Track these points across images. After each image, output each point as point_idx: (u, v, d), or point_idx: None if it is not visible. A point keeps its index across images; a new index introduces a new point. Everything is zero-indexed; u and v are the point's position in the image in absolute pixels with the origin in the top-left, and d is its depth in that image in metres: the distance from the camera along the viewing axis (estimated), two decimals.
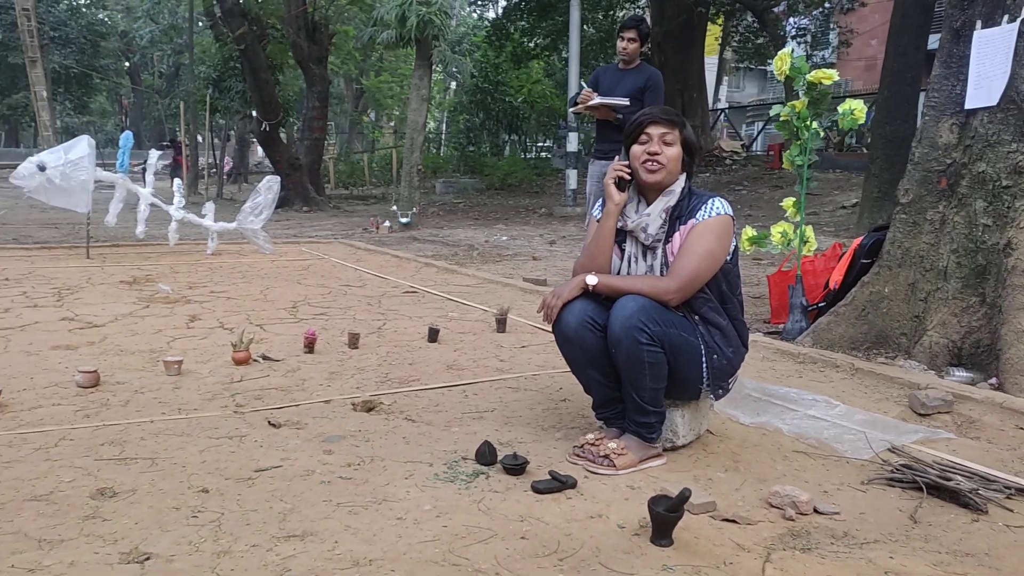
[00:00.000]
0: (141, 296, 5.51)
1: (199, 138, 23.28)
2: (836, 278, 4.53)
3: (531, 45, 22.19)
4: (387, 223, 11.90)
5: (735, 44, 24.29)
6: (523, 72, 24.74)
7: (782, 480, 2.45)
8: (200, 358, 3.83)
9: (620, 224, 2.69)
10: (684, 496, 2.00)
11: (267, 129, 15.60)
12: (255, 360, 3.78)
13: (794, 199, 4.68)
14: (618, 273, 2.70)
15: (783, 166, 4.75)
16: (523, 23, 21.06)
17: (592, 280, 2.58)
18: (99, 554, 1.88)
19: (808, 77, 4.38)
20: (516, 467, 2.43)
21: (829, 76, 4.34)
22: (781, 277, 5.01)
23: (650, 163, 2.62)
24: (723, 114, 26.07)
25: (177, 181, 8.32)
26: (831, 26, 22.75)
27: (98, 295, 5.52)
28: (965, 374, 3.67)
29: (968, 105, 3.85)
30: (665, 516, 1.98)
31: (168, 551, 1.90)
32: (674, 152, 2.64)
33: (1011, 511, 2.28)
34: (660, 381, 2.51)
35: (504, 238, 10.97)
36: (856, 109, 4.40)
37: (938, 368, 3.78)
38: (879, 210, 8.87)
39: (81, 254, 7.69)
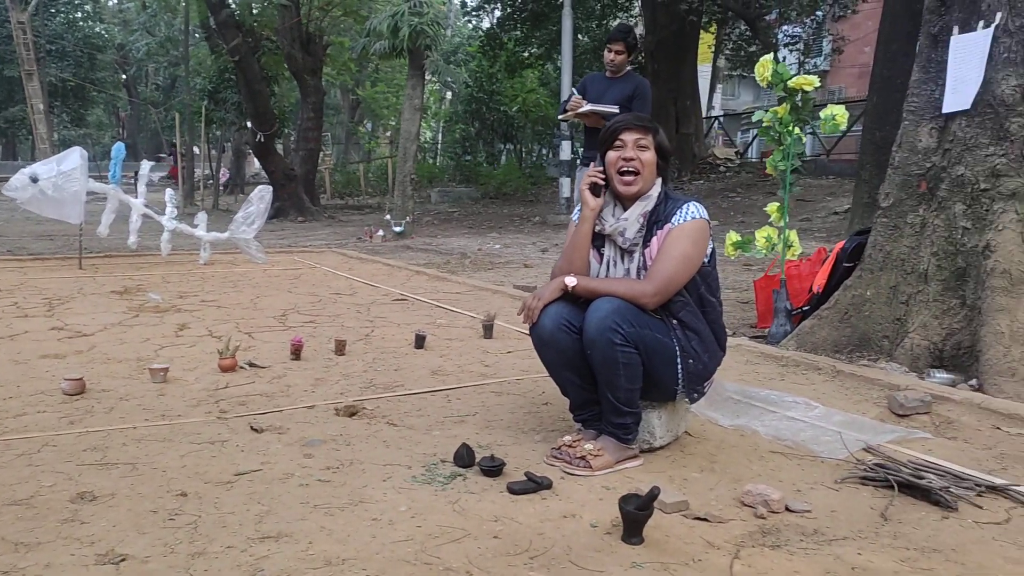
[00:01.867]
0: (131, 306, 5.53)
1: (195, 150, 23.36)
2: (819, 282, 4.57)
3: (525, 55, 22.28)
4: (381, 232, 11.94)
5: (728, 52, 24.39)
6: (517, 81, 24.83)
7: (757, 480, 2.47)
8: (187, 366, 3.86)
9: (598, 228, 2.73)
10: (653, 494, 2.02)
11: (262, 140, 15.66)
12: (241, 367, 3.80)
13: (778, 204, 4.72)
14: (597, 277, 2.73)
15: (767, 171, 4.79)
16: (517, 33, 21.15)
17: (571, 282, 2.61)
18: (75, 556, 1.91)
19: (790, 83, 4.42)
20: (493, 469, 2.45)
21: (810, 82, 4.38)
22: (767, 282, 5.05)
23: (626, 170, 2.66)
24: (717, 121, 26.15)
25: (169, 191, 8.33)
26: (824, 34, 22.83)
27: (88, 305, 5.54)
28: (946, 376, 3.70)
29: (945, 109, 3.90)
30: (635, 514, 2.01)
31: (143, 552, 1.93)
32: (649, 157, 2.67)
33: (981, 508, 2.30)
34: (635, 382, 2.54)
35: (497, 246, 11.00)
36: (838, 114, 4.44)
37: (919, 370, 3.80)
38: (869, 215, 8.85)
39: (74, 265, 7.71)
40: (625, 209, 2.71)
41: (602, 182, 2.72)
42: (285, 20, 16.16)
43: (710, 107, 27.80)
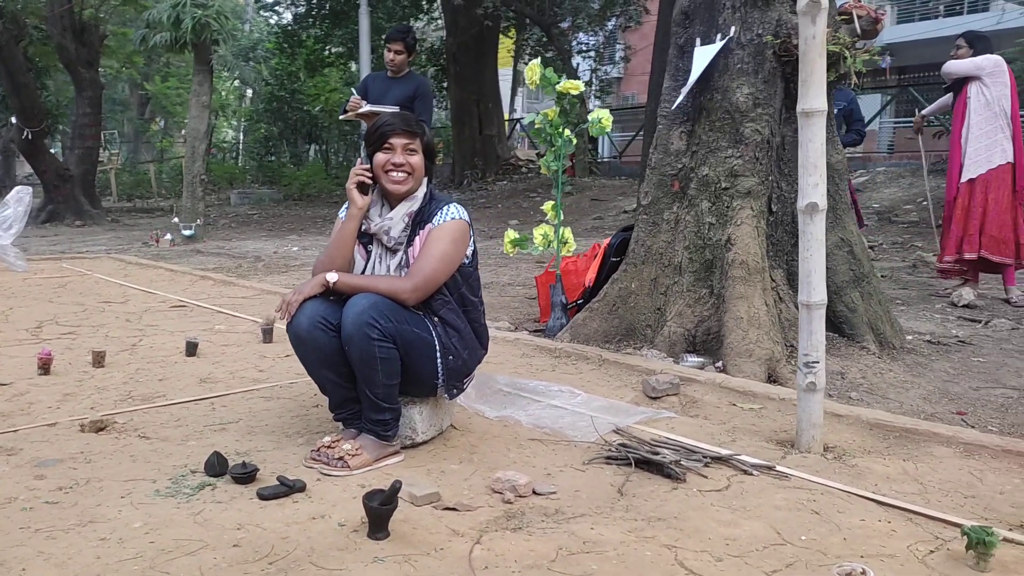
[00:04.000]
0: None
1: None
2: (590, 276, 4.81)
3: (326, 53, 21.81)
4: (169, 236, 11.24)
5: (528, 57, 25.11)
6: (320, 80, 24.26)
7: (511, 467, 2.57)
8: None
9: (364, 227, 2.74)
10: (395, 488, 2.05)
11: (29, 137, 14.26)
12: None
13: (553, 203, 4.92)
14: (362, 274, 2.73)
15: (543, 172, 4.99)
16: (316, 30, 20.66)
17: (332, 278, 2.60)
18: None
19: (558, 87, 4.63)
20: (245, 476, 2.38)
21: (576, 87, 4.62)
22: (548, 277, 5.24)
23: (395, 173, 2.68)
24: (519, 124, 26.86)
25: None
26: (616, 43, 24.07)
27: None
28: (697, 359, 4.02)
29: (672, 107, 4.26)
30: (378, 509, 2.02)
31: None
32: (417, 161, 2.72)
33: (705, 477, 2.52)
34: (393, 378, 2.56)
35: (295, 248, 10.69)
36: (603, 118, 4.70)
37: (676, 355, 4.11)
38: None
39: None
40: (392, 208, 2.73)
41: (369, 180, 2.73)
42: (55, 7, 14.81)
43: (512, 110, 28.52)
